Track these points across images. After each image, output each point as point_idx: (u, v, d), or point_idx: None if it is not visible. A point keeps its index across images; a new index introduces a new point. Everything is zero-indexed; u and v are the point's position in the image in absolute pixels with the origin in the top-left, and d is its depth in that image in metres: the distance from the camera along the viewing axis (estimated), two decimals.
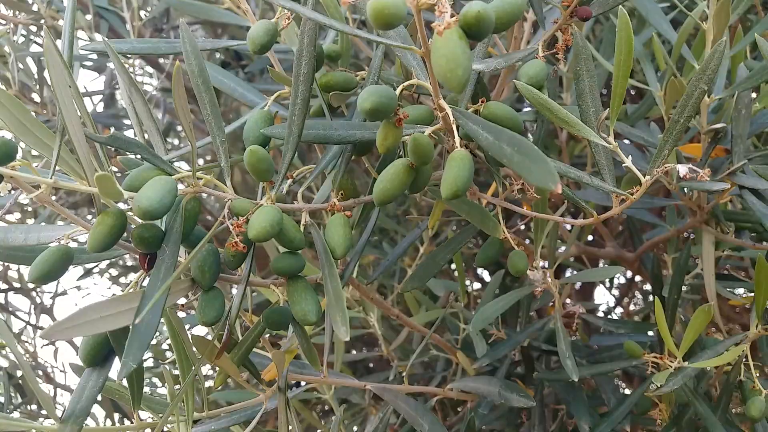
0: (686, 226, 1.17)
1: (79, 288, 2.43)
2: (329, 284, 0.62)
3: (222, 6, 0.93)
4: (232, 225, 0.61)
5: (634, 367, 1.16)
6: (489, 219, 0.72)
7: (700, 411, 1.01)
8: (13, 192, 0.65)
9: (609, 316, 1.60)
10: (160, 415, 0.81)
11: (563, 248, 1.24)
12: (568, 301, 1.52)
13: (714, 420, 0.99)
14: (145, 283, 0.64)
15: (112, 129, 1.68)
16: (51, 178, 0.55)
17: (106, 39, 0.71)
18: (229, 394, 1.13)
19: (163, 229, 0.63)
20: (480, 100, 0.68)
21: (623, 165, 0.65)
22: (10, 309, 1.91)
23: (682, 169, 0.62)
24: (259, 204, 0.64)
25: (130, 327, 0.58)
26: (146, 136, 0.69)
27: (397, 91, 0.60)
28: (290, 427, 0.84)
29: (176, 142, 1.88)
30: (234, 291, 0.80)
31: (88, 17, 1.25)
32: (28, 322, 1.92)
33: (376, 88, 0.56)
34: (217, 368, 0.82)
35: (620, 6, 0.60)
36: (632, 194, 0.65)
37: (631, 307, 2.24)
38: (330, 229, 0.68)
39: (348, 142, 0.69)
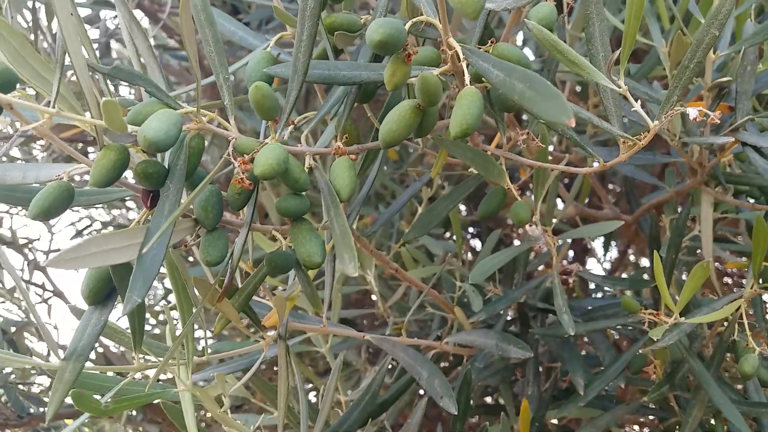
0: (686, 187, 1.17)
1: None
2: (335, 223, 0.61)
3: None
4: (238, 162, 0.60)
5: (625, 327, 1.17)
6: (494, 166, 0.72)
7: (694, 367, 1.02)
8: (10, 128, 0.63)
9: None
10: (160, 358, 0.81)
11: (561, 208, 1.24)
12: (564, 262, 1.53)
13: (707, 376, 1.01)
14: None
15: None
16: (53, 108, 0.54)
17: None
18: (227, 345, 1.14)
19: (167, 167, 0.62)
20: (489, 41, 0.67)
21: (632, 110, 0.64)
22: (2, 267, 1.90)
23: (692, 112, 0.61)
24: (263, 143, 0.63)
25: (134, 262, 0.58)
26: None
27: (406, 26, 0.59)
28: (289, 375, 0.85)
29: None
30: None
31: None
32: (21, 278, 1.91)
33: (386, 20, 0.55)
34: (218, 314, 0.82)
35: None
36: (639, 140, 0.65)
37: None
38: (335, 171, 0.67)
39: (353, 82, 0.68)
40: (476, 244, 2.25)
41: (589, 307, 1.25)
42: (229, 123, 0.65)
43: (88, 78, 0.54)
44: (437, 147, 0.82)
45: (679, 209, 1.33)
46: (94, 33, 1.54)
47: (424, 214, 0.82)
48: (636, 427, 1.64)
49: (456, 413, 0.80)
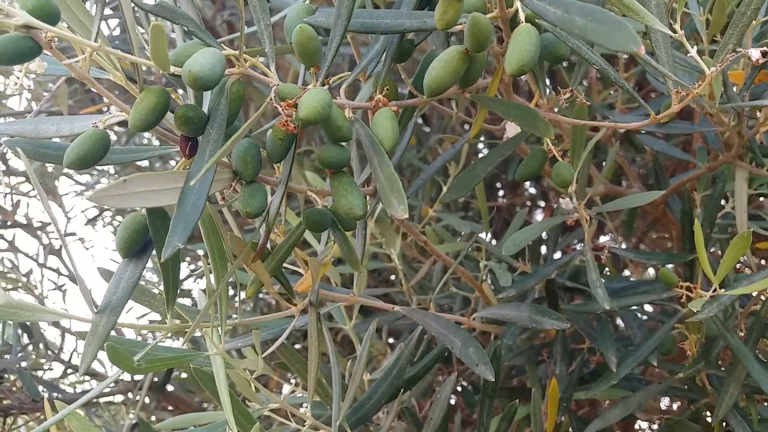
0: (719, 161, 1.15)
1: (82, 240, 2.41)
2: (380, 172, 0.59)
3: None
4: (282, 105, 0.58)
5: (660, 302, 1.14)
6: (539, 120, 0.69)
7: (731, 343, 0.99)
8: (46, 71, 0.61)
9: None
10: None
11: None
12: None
13: (745, 351, 0.98)
14: None
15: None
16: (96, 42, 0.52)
17: None
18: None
19: (207, 113, 0.60)
20: None
21: (688, 55, 0.62)
22: (19, 249, 1.89)
23: (755, 53, 0.59)
24: (306, 89, 0.61)
25: (174, 209, 0.56)
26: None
27: None
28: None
29: None
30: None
31: None
32: (36, 260, 1.90)
33: None
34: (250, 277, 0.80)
35: None
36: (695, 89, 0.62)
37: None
38: (377, 123, 0.65)
39: (396, 31, 0.66)
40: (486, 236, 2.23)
41: (621, 286, 1.23)
42: (269, 70, 0.63)
43: (131, 13, 0.52)
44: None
45: (712, 186, 1.31)
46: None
47: (462, 175, 0.80)
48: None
49: (493, 379, 0.78)
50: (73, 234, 2.01)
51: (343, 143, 0.65)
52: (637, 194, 0.93)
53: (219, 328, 0.74)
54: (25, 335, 1.92)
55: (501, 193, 2.05)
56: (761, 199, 1.37)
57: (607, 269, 1.13)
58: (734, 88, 0.97)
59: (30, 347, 1.91)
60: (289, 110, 0.59)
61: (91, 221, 2.32)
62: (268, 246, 0.80)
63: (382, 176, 0.59)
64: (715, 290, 0.94)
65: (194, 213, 0.55)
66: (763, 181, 1.16)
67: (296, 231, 0.73)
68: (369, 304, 0.93)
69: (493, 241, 2.04)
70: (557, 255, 1.30)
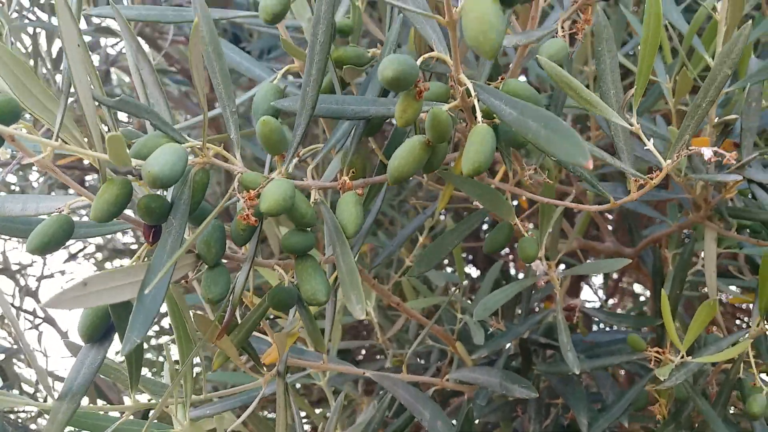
0: (689, 221, 1.16)
1: (63, 272, 2.39)
2: (342, 261, 0.60)
3: None
4: (244, 197, 0.59)
5: (628, 364, 1.15)
6: (502, 203, 0.71)
7: (700, 407, 1.00)
8: (11, 157, 0.62)
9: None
10: (156, 397, 0.78)
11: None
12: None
13: (714, 415, 0.99)
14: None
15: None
16: (56, 141, 0.53)
17: (113, 4, 0.69)
18: (223, 376, 1.11)
19: (170, 201, 0.60)
20: (499, 77, 0.66)
21: (644, 148, 0.63)
22: None
23: (707, 152, 0.61)
24: (270, 178, 0.61)
25: (134, 301, 0.56)
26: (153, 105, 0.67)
27: (418, 62, 0.58)
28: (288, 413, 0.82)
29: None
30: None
31: None
32: (12, 305, 1.88)
33: (398, 56, 0.54)
34: (216, 350, 0.79)
35: None
36: (651, 179, 0.64)
37: (618, 310, 2.24)
38: (342, 207, 0.66)
39: (362, 117, 0.67)
40: (470, 270, 2.23)
41: (593, 342, 1.23)
42: (234, 156, 0.64)
43: (93, 111, 0.53)
44: (441, 179, 0.81)
45: (683, 243, 1.33)
46: (94, 59, 1.53)
47: (430, 248, 0.80)
48: None
49: None
50: (51, 276, 1.99)
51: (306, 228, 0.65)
52: (605, 261, 0.94)
53: (184, 404, 0.74)
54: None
55: (485, 227, 2.06)
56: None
57: (578, 329, 1.13)
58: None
59: (4, 390, 1.89)
60: (253, 200, 0.59)
61: (72, 257, 2.31)
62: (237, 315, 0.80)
63: (344, 267, 0.59)
64: (683, 356, 0.95)
65: (155, 306, 0.55)
66: (732, 242, 1.18)
67: (261, 307, 0.73)
68: (340, 370, 0.93)
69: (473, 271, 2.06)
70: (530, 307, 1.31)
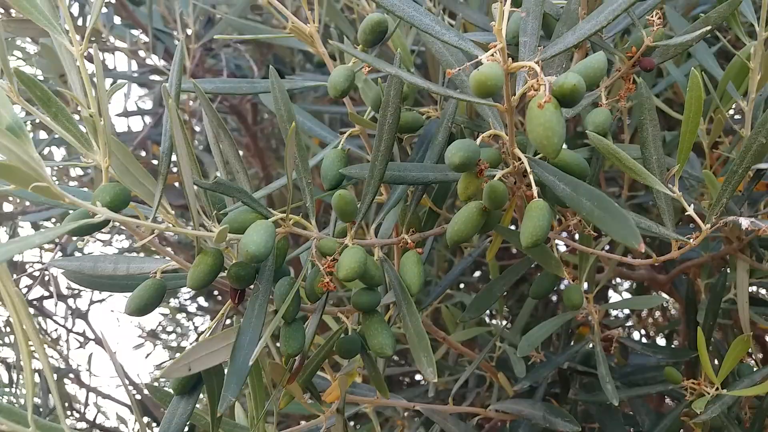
0: (721, 252, 1.21)
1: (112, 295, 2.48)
2: (409, 323, 0.66)
3: (284, 30, 0.96)
4: (323, 264, 0.65)
5: (667, 390, 1.20)
6: (552, 258, 0.76)
7: None
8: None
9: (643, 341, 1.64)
10: None
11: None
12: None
13: None
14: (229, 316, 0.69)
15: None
16: (154, 221, 0.60)
17: (192, 80, 0.76)
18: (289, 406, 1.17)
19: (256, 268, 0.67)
20: None
21: (685, 213, 0.69)
22: (47, 312, 1.96)
23: (744, 222, 0.66)
24: (344, 244, 0.68)
25: (228, 361, 0.63)
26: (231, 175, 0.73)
27: (478, 141, 0.64)
28: None
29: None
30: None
31: (145, 39, 1.30)
32: (64, 326, 1.97)
33: (463, 143, 0.60)
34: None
35: (692, 68, 0.64)
36: (691, 240, 0.69)
37: (649, 320, 2.28)
38: (405, 267, 0.72)
39: (422, 182, 0.73)
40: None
41: (629, 369, 1.28)
42: (310, 223, 0.70)
43: (194, 196, 0.60)
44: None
45: (718, 271, 1.37)
46: (147, 101, 1.61)
47: (480, 296, 0.86)
48: None
49: None
50: (101, 301, 2.08)
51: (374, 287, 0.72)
52: (640, 298, 0.99)
53: None
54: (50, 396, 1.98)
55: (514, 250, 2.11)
56: None
57: (615, 359, 1.18)
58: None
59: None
60: (331, 267, 0.66)
61: None
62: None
63: (412, 329, 0.65)
64: (717, 389, 1.00)
65: (245, 366, 0.62)
66: (764, 274, 1.22)
67: (324, 350, 0.79)
68: (393, 404, 0.99)
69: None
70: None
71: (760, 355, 1.42)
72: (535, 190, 0.63)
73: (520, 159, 0.65)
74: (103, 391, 2.09)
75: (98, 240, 1.96)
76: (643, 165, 0.73)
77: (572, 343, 1.28)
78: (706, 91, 1.15)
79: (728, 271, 1.22)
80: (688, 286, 1.23)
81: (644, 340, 2.06)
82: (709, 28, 0.65)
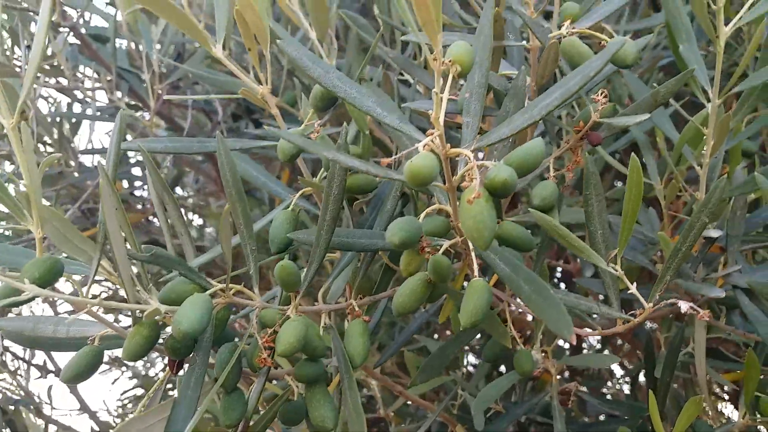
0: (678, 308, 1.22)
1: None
2: (348, 399, 0.65)
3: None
4: (261, 338, 0.65)
5: None
6: (499, 326, 0.76)
7: None
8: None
9: (603, 396, 1.64)
10: None
11: None
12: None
13: None
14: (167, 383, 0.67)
15: (124, 182, 1.71)
16: (89, 294, 0.59)
17: (138, 140, 0.75)
18: None
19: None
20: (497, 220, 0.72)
21: (628, 291, 0.69)
22: (5, 345, 1.92)
23: (684, 306, 0.66)
24: (286, 315, 0.67)
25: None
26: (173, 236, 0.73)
27: (421, 218, 0.64)
28: None
29: (183, 193, 1.91)
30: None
31: (110, 78, 1.29)
32: (23, 359, 1.94)
33: (403, 222, 0.60)
34: None
35: (632, 154, 0.64)
36: (635, 316, 0.69)
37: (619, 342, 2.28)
38: (349, 337, 0.71)
39: (371, 250, 0.73)
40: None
41: (587, 423, 1.28)
42: (253, 291, 0.69)
43: (127, 267, 0.59)
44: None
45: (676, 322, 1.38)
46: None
47: (432, 357, 0.86)
48: None
49: None
50: None
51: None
52: (596, 355, 0.99)
53: None
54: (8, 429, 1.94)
55: None
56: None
57: (573, 412, 1.18)
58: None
59: None
60: (269, 342, 0.65)
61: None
62: None
63: (351, 405, 0.65)
64: None
65: None
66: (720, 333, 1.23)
67: (268, 415, 0.78)
68: None
69: None
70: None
71: None
72: (476, 268, 0.63)
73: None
74: (62, 422, 2.05)
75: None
76: (588, 238, 0.73)
77: (535, 391, 1.28)
78: (669, 146, 1.17)
79: (686, 326, 1.23)
80: (647, 341, 1.23)
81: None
82: (647, 116, 0.66)
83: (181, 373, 0.68)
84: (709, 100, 0.95)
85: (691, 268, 1.03)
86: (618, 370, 2.19)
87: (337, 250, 0.85)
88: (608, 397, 1.73)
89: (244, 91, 0.74)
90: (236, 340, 0.73)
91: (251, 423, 0.83)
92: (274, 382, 1.00)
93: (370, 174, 0.55)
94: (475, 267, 0.63)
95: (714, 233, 0.93)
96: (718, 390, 1.86)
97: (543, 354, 1.08)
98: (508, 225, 0.71)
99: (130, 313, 0.63)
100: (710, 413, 1.19)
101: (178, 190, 2.00)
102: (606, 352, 2.04)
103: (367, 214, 0.81)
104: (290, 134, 0.58)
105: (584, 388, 1.18)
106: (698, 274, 1.05)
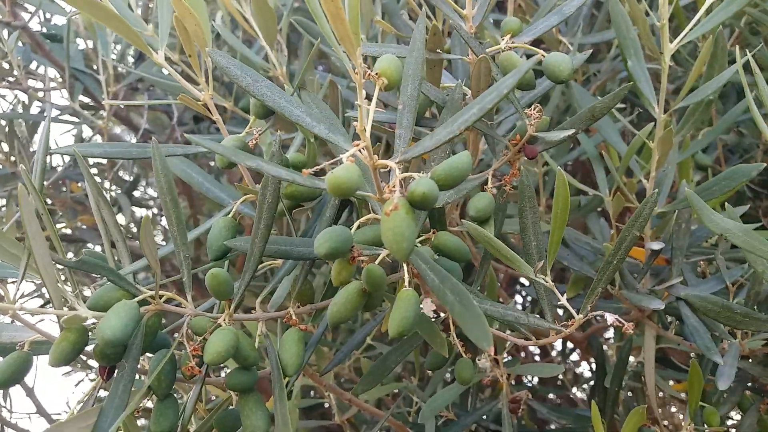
0: (630, 317, 1.23)
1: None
2: (278, 408, 0.65)
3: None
4: (189, 347, 0.64)
5: None
6: (437, 335, 0.77)
7: None
8: None
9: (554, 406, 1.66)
10: None
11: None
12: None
13: None
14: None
15: (81, 184, 1.69)
16: (16, 301, 0.58)
17: (74, 145, 0.75)
18: None
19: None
20: (432, 230, 0.73)
21: (558, 303, 0.70)
22: None
23: (609, 318, 0.67)
24: (217, 324, 0.67)
25: None
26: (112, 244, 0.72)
27: (354, 227, 0.64)
28: None
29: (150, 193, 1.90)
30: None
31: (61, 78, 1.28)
32: None
33: (332, 232, 0.60)
34: None
35: (558, 167, 0.65)
36: (567, 327, 0.70)
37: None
38: (284, 345, 0.71)
39: (308, 258, 0.73)
40: None
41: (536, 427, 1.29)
42: (186, 299, 0.69)
43: (53, 275, 0.58)
44: None
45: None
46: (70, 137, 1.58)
47: (372, 368, 0.86)
48: None
49: None
50: None
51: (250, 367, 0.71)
52: (545, 365, 1.00)
53: None
54: None
55: None
56: None
57: (523, 420, 1.19)
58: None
59: None
60: (197, 351, 0.65)
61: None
62: None
63: (279, 415, 0.64)
64: None
65: None
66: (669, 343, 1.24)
67: (206, 426, 0.77)
68: None
69: None
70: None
71: None
72: (406, 279, 0.63)
73: None
74: (21, 426, 2.01)
75: None
76: (523, 250, 0.74)
77: (492, 397, 1.29)
78: (621, 155, 1.19)
79: (634, 336, 1.25)
80: (599, 350, 1.25)
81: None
82: (572, 131, 0.67)
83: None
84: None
85: (638, 279, 1.05)
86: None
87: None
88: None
89: (183, 98, 0.74)
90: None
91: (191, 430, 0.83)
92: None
93: (297, 183, 0.56)
94: (406, 277, 0.63)
95: (656, 245, 0.95)
96: (685, 396, 1.89)
97: (493, 362, 1.09)
98: (444, 235, 0.72)
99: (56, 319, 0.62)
100: (666, 422, 1.21)
101: (150, 191, 1.98)
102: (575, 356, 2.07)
103: (312, 222, 0.82)
104: (210, 142, 0.58)
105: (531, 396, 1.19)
106: (644, 285, 1.06)
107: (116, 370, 0.67)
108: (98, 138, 1.56)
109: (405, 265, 0.65)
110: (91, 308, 0.63)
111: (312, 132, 0.59)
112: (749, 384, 1.16)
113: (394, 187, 0.53)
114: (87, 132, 1.69)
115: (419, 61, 0.63)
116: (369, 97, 0.56)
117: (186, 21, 0.71)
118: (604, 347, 1.38)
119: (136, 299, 0.63)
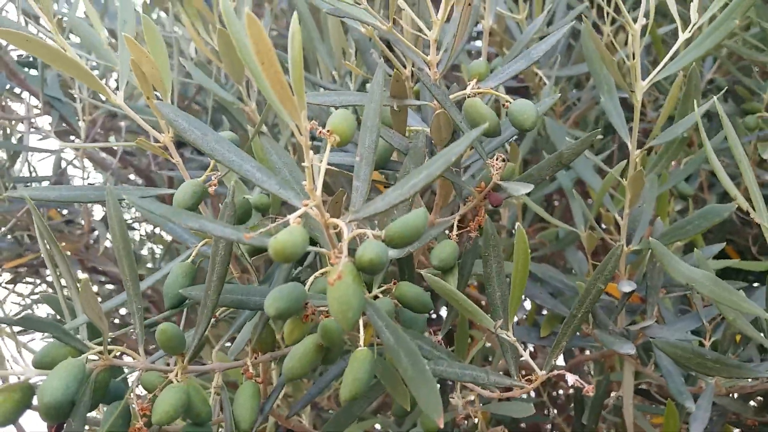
0: (609, 352, 1.22)
1: None
2: None
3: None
4: (138, 406, 0.62)
5: None
6: (400, 386, 0.75)
7: None
8: None
9: None
10: None
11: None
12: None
13: None
14: None
15: (65, 211, 1.67)
16: None
17: (25, 189, 0.73)
18: None
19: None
20: (392, 281, 0.71)
21: (521, 358, 0.68)
22: None
23: (570, 379, 0.66)
24: (168, 380, 0.65)
25: None
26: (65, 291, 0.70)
27: (307, 286, 0.63)
28: None
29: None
30: None
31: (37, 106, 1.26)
32: None
33: (283, 290, 0.58)
34: None
35: (517, 223, 0.64)
36: (531, 382, 0.68)
37: None
38: (238, 400, 0.69)
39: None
40: None
41: None
42: (138, 351, 0.67)
43: None
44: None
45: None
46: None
47: (339, 413, 0.84)
48: None
49: None
50: None
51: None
52: (519, 404, 0.98)
53: None
54: None
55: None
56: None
57: None
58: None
59: None
60: (146, 409, 0.62)
61: None
62: None
63: None
64: None
65: None
66: (647, 378, 1.23)
67: None
68: None
69: None
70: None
71: None
72: (362, 337, 0.62)
73: None
74: None
75: None
76: (488, 300, 0.73)
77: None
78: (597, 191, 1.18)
79: (611, 372, 1.23)
80: (577, 389, 1.23)
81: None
82: (531, 186, 0.65)
83: None
84: None
85: (612, 318, 1.03)
86: None
87: None
88: None
89: (141, 141, 0.72)
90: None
91: None
92: None
93: (240, 242, 0.54)
94: (362, 335, 0.62)
95: (627, 287, 0.93)
96: None
97: (467, 401, 1.07)
98: (404, 286, 0.70)
99: None
100: None
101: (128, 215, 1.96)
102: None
103: (271, 268, 0.80)
104: (146, 202, 0.56)
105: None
106: (619, 324, 1.05)
107: (64, 428, 0.64)
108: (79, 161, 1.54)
109: (361, 322, 0.63)
110: (36, 366, 0.61)
111: (262, 187, 0.57)
112: (730, 420, 1.15)
113: (340, 252, 0.51)
114: (70, 154, 1.67)
115: (377, 111, 0.62)
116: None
117: (142, 64, 0.69)
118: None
119: (84, 356, 0.61)
